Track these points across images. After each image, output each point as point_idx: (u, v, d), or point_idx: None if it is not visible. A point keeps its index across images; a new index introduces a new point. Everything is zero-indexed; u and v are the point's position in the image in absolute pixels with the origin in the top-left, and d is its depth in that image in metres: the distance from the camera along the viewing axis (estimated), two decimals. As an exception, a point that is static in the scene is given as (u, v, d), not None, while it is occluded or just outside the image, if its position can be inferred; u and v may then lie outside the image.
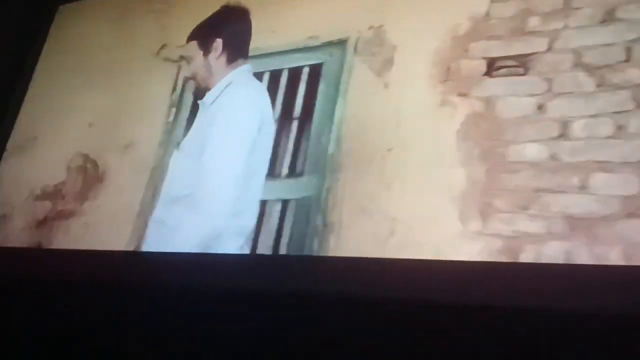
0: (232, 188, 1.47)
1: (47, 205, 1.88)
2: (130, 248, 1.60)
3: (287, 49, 1.62)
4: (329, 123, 1.46)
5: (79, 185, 1.85)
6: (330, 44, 1.55)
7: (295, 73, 1.59)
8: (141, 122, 1.80)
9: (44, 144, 2.03)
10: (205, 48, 1.65)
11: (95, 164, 1.85)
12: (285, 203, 1.43)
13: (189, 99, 1.76)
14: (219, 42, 1.64)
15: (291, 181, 1.46)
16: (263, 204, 1.46)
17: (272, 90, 1.59)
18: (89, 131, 1.93)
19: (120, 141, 1.82)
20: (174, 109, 1.76)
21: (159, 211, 1.59)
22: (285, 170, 1.48)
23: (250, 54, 1.67)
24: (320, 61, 1.56)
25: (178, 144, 1.66)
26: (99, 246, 1.68)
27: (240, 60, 1.64)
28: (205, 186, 1.50)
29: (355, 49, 1.50)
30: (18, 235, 1.88)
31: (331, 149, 1.42)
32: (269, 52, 1.65)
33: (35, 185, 1.94)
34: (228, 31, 1.68)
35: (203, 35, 1.68)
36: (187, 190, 1.53)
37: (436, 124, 1.31)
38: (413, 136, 1.33)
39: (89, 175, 1.84)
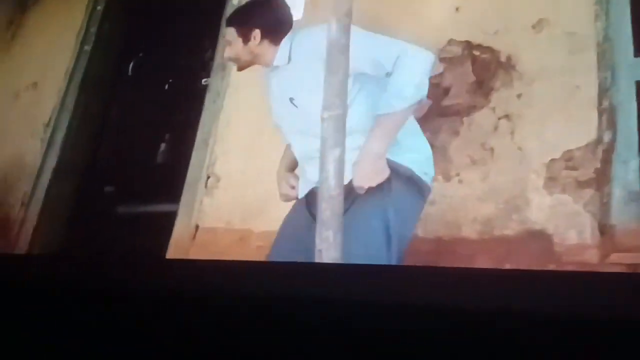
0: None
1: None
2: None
3: None
4: None
5: (471, 77, 1.61)
6: None
7: None
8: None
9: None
10: (244, 37, 1.51)
11: (489, 50, 1.60)
12: None
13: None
14: (257, 32, 1.50)
15: None
16: None
17: None
18: (458, 16, 1.68)
19: (526, 19, 1.55)
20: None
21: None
22: None
23: None
24: None
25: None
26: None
27: (285, 36, 1.51)
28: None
29: None
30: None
31: None
32: None
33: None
34: (265, 20, 1.51)
35: (240, 24, 1.53)
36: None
37: None
38: None
39: (484, 62, 1.59)
